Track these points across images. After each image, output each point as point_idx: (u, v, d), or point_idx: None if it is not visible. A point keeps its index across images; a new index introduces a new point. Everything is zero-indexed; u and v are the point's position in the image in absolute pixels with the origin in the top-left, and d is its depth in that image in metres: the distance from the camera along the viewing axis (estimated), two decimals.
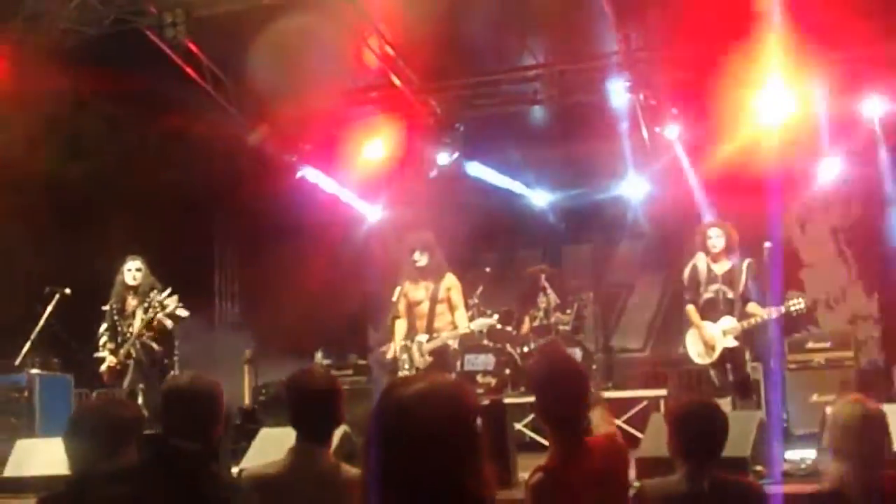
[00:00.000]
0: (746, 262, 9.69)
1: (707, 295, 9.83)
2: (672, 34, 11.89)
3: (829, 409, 4.49)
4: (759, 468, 7.62)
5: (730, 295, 9.72)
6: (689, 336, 10.00)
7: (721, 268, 9.81)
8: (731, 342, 9.63)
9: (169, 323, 9.87)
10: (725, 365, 9.75)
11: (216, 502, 4.20)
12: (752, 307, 9.58)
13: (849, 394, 4.75)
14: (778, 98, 11.88)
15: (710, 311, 9.79)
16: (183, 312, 9.93)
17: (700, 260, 9.90)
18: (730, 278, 9.73)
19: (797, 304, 9.64)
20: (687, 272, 10.01)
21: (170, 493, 4.05)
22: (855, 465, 4.23)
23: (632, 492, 4.69)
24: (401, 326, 9.97)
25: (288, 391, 4.73)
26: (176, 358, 10.49)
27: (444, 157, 13.50)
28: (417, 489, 2.40)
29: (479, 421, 2.53)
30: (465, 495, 2.41)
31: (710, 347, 9.73)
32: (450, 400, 2.48)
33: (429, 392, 2.48)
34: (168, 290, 9.89)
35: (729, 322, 9.66)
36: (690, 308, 9.94)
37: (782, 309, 9.52)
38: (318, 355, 13.21)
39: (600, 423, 4.51)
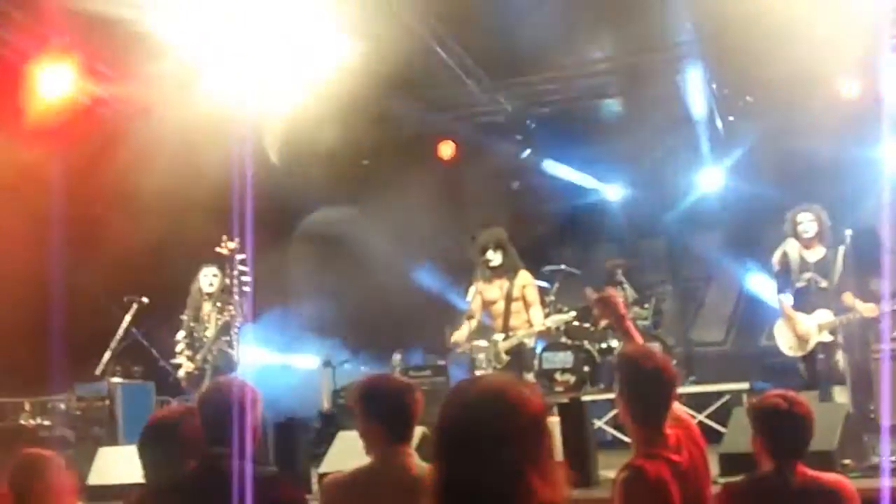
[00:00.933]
0: (842, 248, 9.34)
1: (799, 284, 9.56)
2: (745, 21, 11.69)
3: None
4: (847, 462, 7.46)
5: (823, 284, 9.44)
6: (778, 327, 9.75)
7: (814, 255, 9.55)
8: (827, 336, 9.34)
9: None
10: (816, 357, 9.51)
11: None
12: (847, 298, 9.27)
13: None
14: (853, 79, 11.64)
15: (802, 301, 9.52)
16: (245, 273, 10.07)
17: (791, 246, 9.63)
18: (823, 267, 9.46)
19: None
20: (776, 258, 9.73)
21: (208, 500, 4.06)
22: None
23: (717, 489, 4.60)
24: (473, 325, 9.94)
25: (362, 396, 4.72)
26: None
27: (516, 154, 13.47)
28: (483, 491, 2.40)
29: (550, 421, 2.52)
30: (532, 498, 2.39)
31: (803, 340, 9.47)
32: (515, 400, 2.47)
33: (494, 392, 2.50)
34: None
35: (825, 315, 9.39)
36: (783, 297, 9.69)
37: (892, 307, 9.11)
38: (396, 357, 13.20)
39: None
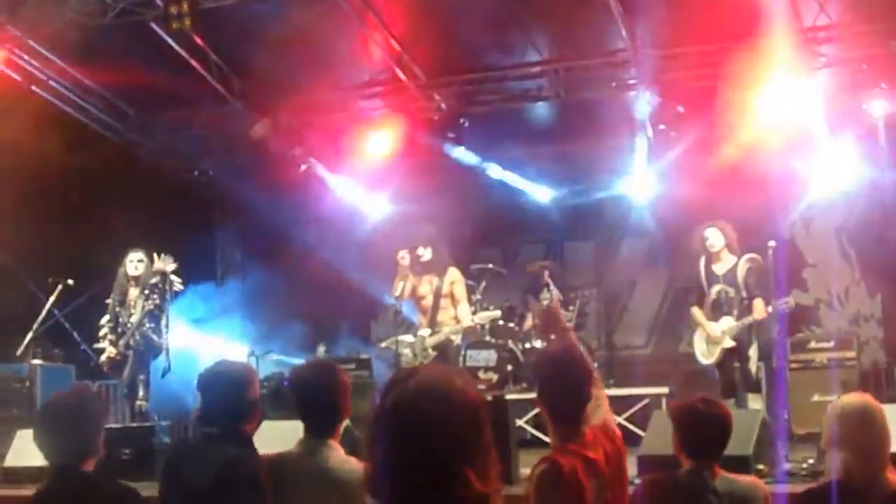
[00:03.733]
0: (745, 258, 9.76)
1: (711, 296, 9.94)
2: (678, 32, 11.87)
3: (830, 406, 4.45)
4: (761, 467, 7.62)
5: (732, 294, 9.80)
6: (696, 336, 10.10)
7: (721, 267, 9.92)
8: (729, 342, 9.69)
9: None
10: (730, 364, 9.78)
11: (238, 485, 4.22)
12: (756, 304, 9.62)
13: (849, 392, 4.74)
14: (782, 97, 11.88)
15: (715, 311, 9.90)
16: (178, 286, 10.04)
17: (701, 262, 10.01)
18: (731, 277, 9.83)
19: (786, 302, 9.66)
20: (694, 274, 10.10)
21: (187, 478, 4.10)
22: (856, 455, 4.21)
23: (633, 488, 4.68)
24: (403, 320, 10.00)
25: (293, 385, 4.76)
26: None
27: (448, 153, 13.49)
28: (422, 482, 2.39)
29: (486, 414, 2.51)
30: (469, 489, 2.39)
31: (713, 347, 9.79)
32: (453, 392, 2.46)
33: (432, 383, 2.47)
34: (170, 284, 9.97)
35: (727, 322, 9.73)
36: (694, 309, 10.08)
37: (770, 308, 9.59)
38: (321, 349, 13.20)
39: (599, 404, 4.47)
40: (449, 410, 2.42)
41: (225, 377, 4.58)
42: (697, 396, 4.69)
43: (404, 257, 9.94)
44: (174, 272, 10.11)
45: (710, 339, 9.82)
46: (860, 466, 4.19)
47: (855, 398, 4.41)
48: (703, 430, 4.55)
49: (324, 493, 4.39)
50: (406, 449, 2.41)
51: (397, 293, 9.89)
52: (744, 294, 9.77)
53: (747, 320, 9.61)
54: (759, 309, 9.57)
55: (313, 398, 4.57)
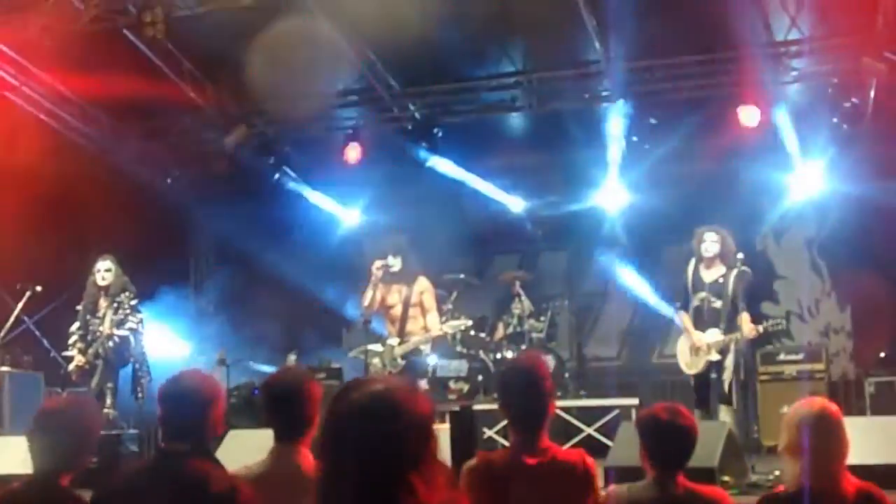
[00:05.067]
0: (736, 270, 9.38)
1: (694, 303, 9.71)
2: (651, 45, 11.94)
3: (788, 411, 4.43)
4: (726, 479, 7.64)
5: (716, 305, 9.55)
6: (679, 343, 9.94)
7: (710, 276, 9.65)
8: (715, 356, 9.49)
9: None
10: (708, 376, 9.64)
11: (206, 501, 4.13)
12: (744, 321, 9.30)
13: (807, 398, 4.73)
14: (754, 109, 11.95)
15: (697, 320, 9.67)
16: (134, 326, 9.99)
17: (692, 265, 9.78)
18: (717, 288, 9.58)
19: (777, 324, 9.64)
20: (685, 274, 9.90)
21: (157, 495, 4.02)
22: (813, 462, 4.21)
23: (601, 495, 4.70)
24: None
25: (264, 393, 4.76)
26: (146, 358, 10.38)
27: (421, 162, 13.50)
28: (365, 490, 2.43)
29: (435, 425, 2.57)
30: (415, 497, 2.42)
31: (697, 357, 9.62)
32: (399, 401, 2.50)
33: (379, 393, 2.52)
34: (135, 301, 9.93)
35: (714, 335, 9.54)
36: (681, 314, 9.86)
37: (760, 329, 9.44)
38: (291, 357, 13.19)
39: None
40: (393, 418, 2.47)
41: (183, 389, 4.46)
42: (662, 406, 4.69)
43: (380, 267, 9.90)
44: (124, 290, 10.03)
45: (695, 348, 9.65)
46: (817, 473, 4.19)
47: (813, 404, 4.40)
48: (667, 440, 4.54)
49: (298, 499, 4.39)
50: (351, 456, 2.45)
51: (366, 303, 9.87)
52: (731, 308, 9.45)
53: (735, 336, 9.32)
54: (749, 328, 9.25)
55: (284, 405, 4.57)
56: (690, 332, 9.68)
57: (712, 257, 9.63)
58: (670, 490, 4.47)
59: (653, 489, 4.50)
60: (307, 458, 4.49)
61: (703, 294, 9.64)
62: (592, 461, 4.59)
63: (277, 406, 4.58)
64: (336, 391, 2.62)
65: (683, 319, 9.81)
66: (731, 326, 9.45)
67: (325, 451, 2.53)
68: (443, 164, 13.73)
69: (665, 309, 12.09)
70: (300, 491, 4.35)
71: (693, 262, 9.78)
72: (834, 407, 4.36)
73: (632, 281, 14.03)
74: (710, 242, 9.64)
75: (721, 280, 9.59)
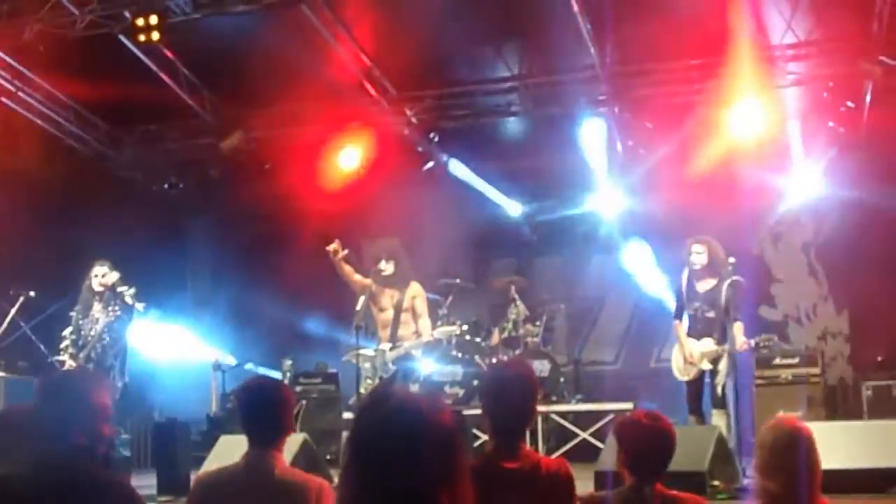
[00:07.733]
0: (728, 281, 9.38)
1: (689, 311, 9.73)
2: (648, 49, 11.95)
3: (760, 431, 4.40)
4: (716, 483, 7.64)
5: (710, 314, 9.56)
6: (674, 350, 9.95)
7: (703, 286, 9.67)
8: (707, 365, 9.51)
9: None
10: (701, 381, 9.64)
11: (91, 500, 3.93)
12: (737, 332, 9.35)
13: (779, 415, 4.68)
14: (751, 113, 11.95)
15: (692, 329, 9.69)
16: (138, 305, 9.95)
17: (685, 275, 9.81)
18: (710, 297, 9.58)
19: (769, 339, 9.65)
20: (676, 287, 9.96)
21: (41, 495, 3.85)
22: (782, 484, 4.18)
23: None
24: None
25: (238, 400, 4.81)
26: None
27: (419, 166, 13.51)
28: None
29: (461, 439, 2.52)
30: None
31: (689, 366, 9.62)
32: (428, 417, 2.46)
33: (408, 407, 2.47)
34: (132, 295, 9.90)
35: (707, 345, 9.55)
36: (676, 324, 9.89)
37: (752, 343, 9.52)
38: (287, 362, 13.18)
39: None
40: (421, 436, 2.42)
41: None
42: (642, 412, 4.68)
43: (379, 271, 9.89)
44: (120, 283, 9.99)
45: (688, 356, 9.65)
46: (786, 496, 4.16)
47: (780, 424, 4.36)
48: (645, 446, 4.51)
49: (269, 502, 4.42)
50: (378, 475, 2.41)
51: (358, 307, 9.84)
52: (724, 318, 9.42)
53: (728, 348, 9.33)
54: (741, 341, 9.32)
55: (257, 412, 4.62)
56: (683, 345, 9.72)
57: (701, 268, 9.65)
58: (648, 497, 4.46)
59: (631, 496, 4.49)
60: (281, 463, 4.53)
61: (697, 304, 9.66)
62: (570, 468, 4.58)
63: (252, 412, 4.62)
64: (358, 408, 2.58)
65: (678, 331, 9.85)
66: (724, 336, 9.47)
67: (351, 463, 2.47)
68: (439, 169, 13.73)
69: (663, 313, 12.07)
70: (273, 493, 4.40)
71: (686, 271, 9.80)
72: (806, 428, 4.31)
73: (629, 285, 14.02)
74: (696, 254, 9.68)
75: (713, 290, 9.60)
